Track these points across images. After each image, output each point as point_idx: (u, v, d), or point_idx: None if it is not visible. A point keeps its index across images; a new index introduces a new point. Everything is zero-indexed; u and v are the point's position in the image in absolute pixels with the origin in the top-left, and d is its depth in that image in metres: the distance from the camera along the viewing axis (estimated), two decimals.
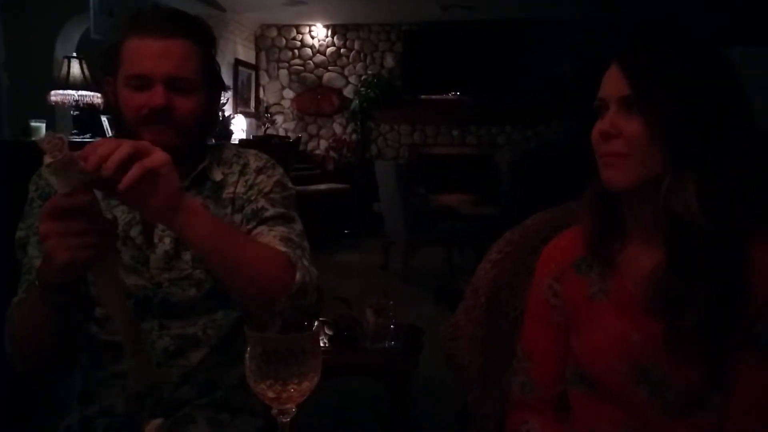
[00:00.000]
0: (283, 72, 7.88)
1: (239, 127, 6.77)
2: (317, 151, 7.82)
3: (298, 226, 1.16)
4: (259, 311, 1.00)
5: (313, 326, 0.76)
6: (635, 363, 0.88)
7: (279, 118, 7.88)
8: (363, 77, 7.66)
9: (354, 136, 7.78)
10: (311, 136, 7.92)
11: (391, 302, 2.13)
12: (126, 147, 0.80)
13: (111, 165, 0.79)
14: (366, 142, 7.76)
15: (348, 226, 7.03)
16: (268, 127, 7.58)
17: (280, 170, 1.23)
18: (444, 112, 7.55)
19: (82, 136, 3.73)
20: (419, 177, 6.92)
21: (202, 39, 1.13)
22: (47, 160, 0.75)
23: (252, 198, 1.17)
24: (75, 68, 4.00)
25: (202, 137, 1.19)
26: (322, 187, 6.76)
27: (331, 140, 7.79)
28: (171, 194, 0.85)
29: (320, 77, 7.83)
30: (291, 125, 7.91)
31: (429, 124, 7.70)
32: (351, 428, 2.48)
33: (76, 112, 4.05)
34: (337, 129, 7.87)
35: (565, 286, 1.00)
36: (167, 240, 1.11)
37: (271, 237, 1.08)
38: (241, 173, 1.20)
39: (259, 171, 1.20)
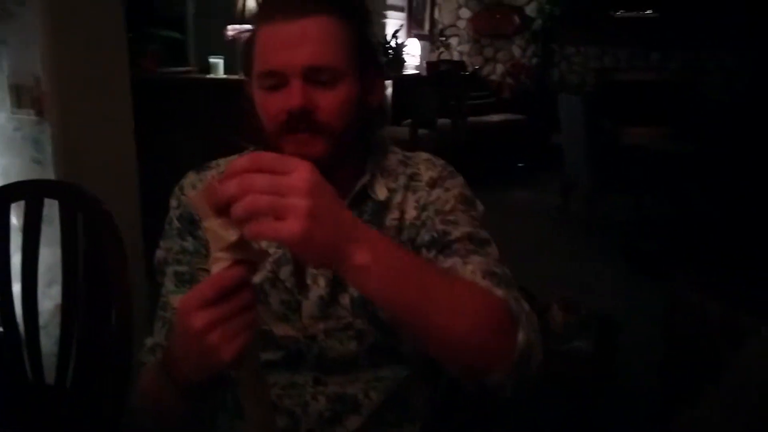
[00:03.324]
0: None
1: (412, 53, 6.46)
2: (492, 77, 7.31)
3: (494, 250, 0.87)
4: (468, 382, 0.76)
5: None
6: None
7: (453, 41, 7.44)
8: None
9: (534, 60, 7.14)
10: (487, 60, 7.40)
11: (581, 302, 1.80)
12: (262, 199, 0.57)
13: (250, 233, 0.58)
14: (547, 67, 7.09)
15: (522, 159, 6.57)
16: (442, 52, 7.19)
17: (460, 179, 0.95)
18: (640, 32, 6.60)
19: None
20: (606, 107, 6.20)
21: (350, 10, 0.85)
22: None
23: (427, 222, 0.90)
24: (250, 1, 3.91)
25: (361, 141, 0.92)
26: (496, 118, 6.32)
27: (508, 64, 7.22)
28: (337, 226, 0.60)
29: None
30: (465, 48, 7.44)
31: (622, 46, 6.81)
32: None
33: None
34: (516, 52, 7.26)
35: None
36: (322, 281, 0.89)
37: (468, 272, 0.80)
38: (408, 187, 0.93)
39: (433, 184, 0.93)
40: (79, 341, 1.20)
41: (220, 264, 0.60)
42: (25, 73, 1.80)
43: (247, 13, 3.87)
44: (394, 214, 0.92)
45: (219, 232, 0.59)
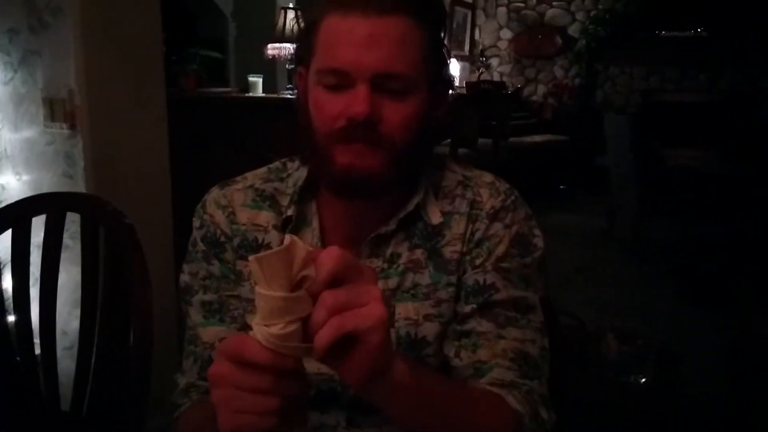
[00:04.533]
0: (502, 10, 7.27)
1: (452, 74, 6.38)
2: (534, 98, 7.17)
3: (538, 318, 0.79)
4: None
5: None
6: None
7: (494, 62, 7.35)
8: (592, 13, 6.76)
9: (577, 81, 6.98)
10: (528, 81, 7.28)
11: (637, 331, 1.66)
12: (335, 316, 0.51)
13: (321, 340, 0.51)
14: (590, 88, 6.93)
15: (564, 181, 6.39)
16: (482, 72, 7.10)
17: (522, 211, 0.83)
18: (688, 51, 6.40)
19: (295, 92, 3.63)
20: (654, 128, 6.01)
21: (428, 13, 0.75)
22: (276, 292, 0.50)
23: (477, 261, 0.80)
24: (291, 20, 3.89)
25: (419, 160, 0.81)
26: (538, 138, 6.18)
27: (550, 85, 7.09)
28: (373, 365, 0.54)
29: (542, 14, 7.08)
30: (507, 68, 7.34)
31: (669, 66, 6.60)
32: None
33: (291, 66, 3.98)
34: (558, 72, 7.12)
35: None
36: None
37: (500, 350, 0.75)
38: (470, 216, 0.82)
39: (494, 216, 0.81)
40: (96, 366, 1.12)
41: (252, 332, 0.51)
42: (59, 85, 1.77)
43: (287, 32, 3.85)
44: (454, 247, 0.81)
45: (264, 306, 0.50)
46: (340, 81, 0.72)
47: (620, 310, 3.21)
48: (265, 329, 0.50)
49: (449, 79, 0.83)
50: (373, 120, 0.72)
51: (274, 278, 0.49)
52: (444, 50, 0.80)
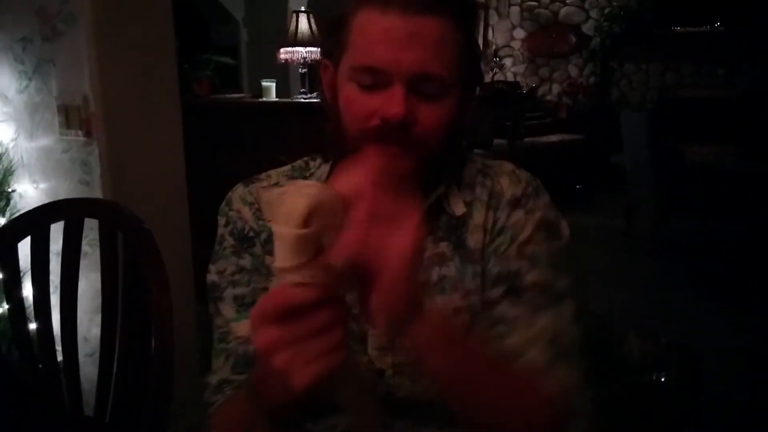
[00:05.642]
0: (515, 9, 7.24)
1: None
2: (549, 97, 7.13)
3: (569, 305, 0.76)
4: None
5: None
6: None
7: (508, 62, 7.32)
8: (607, 10, 6.70)
9: (592, 79, 6.93)
10: (542, 80, 7.24)
11: (659, 331, 1.64)
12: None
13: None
14: (606, 86, 6.87)
15: (580, 180, 6.33)
16: (495, 73, 7.07)
17: (544, 198, 0.83)
18: (705, 47, 6.33)
19: (308, 96, 3.64)
20: (671, 125, 5.95)
21: (464, 14, 0.74)
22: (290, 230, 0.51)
23: (502, 249, 0.78)
24: (303, 23, 3.90)
25: (447, 160, 0.81)
26: (553, 138, 6.14)
27: (565, 84, 7.04)
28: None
29: (556, 13, 7.04)
30: (520, 68, 7.30)
31: (685, 62, 6.53)
32: None
33: (304, 70, 3.99)
34: (573, 71, 7.08)
35: None
36: None
37: (531, 335, 0.72)
38: (490, 205, 0.81)
39: (515, 204, 0.81)
40: (118, 371, 1.13)
41: (282, 281, 0.52)
42: (74, 92, 1.78)
43: (299, 36, 3.86)
44: (478, 235, 0.80)
45: (292, 246, 0.51)
46: (376, 80, 0.71)
47: (639, 309, 3.18)
48: (300, 271, 0.51)
49: (480, 79, 0.82)
50: (408, 122, 0.71)
51: (283, 222, 0.51)
52: (476, 51, 0.79)
